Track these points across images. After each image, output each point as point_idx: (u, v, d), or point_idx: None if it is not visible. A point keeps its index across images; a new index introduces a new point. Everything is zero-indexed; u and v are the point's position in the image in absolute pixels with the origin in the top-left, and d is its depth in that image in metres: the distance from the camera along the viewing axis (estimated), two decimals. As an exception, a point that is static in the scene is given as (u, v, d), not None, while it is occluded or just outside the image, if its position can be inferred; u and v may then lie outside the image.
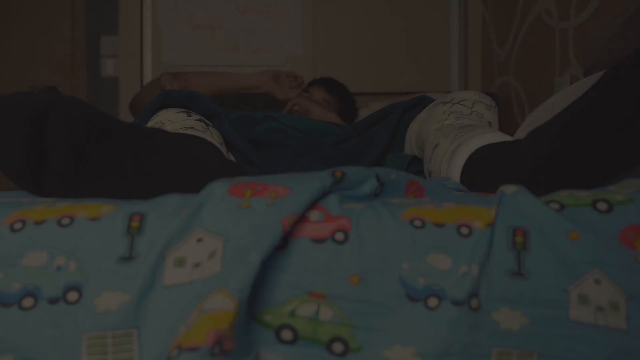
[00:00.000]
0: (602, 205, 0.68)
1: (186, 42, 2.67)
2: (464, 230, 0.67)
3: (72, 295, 0.63)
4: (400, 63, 2.71)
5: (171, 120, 1.14)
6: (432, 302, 0.64)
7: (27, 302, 0.63)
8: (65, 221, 0.66)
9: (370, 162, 1.27)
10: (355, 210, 0.68)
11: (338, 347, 0.64)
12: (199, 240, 0.65)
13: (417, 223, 0.67)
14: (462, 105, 1.20)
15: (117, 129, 0.74)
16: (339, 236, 0.66)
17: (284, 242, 0.65)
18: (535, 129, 0.82)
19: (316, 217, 0.67)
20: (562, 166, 0.75)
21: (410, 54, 2.71)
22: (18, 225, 0.65)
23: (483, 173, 0.87)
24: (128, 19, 2.69)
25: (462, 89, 2.71)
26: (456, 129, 1.08)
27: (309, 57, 2.69)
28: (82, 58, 2.87)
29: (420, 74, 2.71)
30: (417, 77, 2.70)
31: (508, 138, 0.95)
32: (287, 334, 0.64)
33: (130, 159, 0.73)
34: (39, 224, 0.65)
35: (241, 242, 0.63)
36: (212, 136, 1.09)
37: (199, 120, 1.17)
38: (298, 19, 2.69)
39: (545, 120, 1.24)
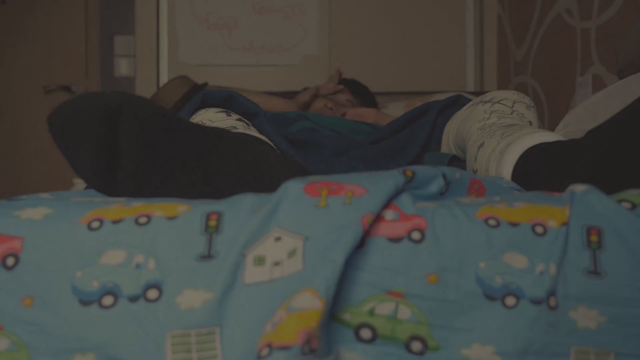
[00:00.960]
0: (674, 204, 0.68)
1: (202, 41, 2.67)
2: (539, 230, 0.67)
3: (153, 293, 0.63)
4: (415, 63, 2.71)
5: (211, 120, 1.14)
6: (510, 300, 0.64)
7: (107, 300, 0.63)
8: (143, 220, 0.66)
9: (408, 161, 1.27)
10: (428, 209, 0.68)
11: (416, 345, 0.64)
12: (278, 239, 0.65)
13: (492, 222, 0.67)
14: (502, 104, 1.20)
15: (185, 129, 0.74)
16: (416, 235, 0.66)
17: (361, 241, 0.65)
18: (594, 128, 0.83)
19: (391, 217, 0.67)
20: (628, 165, 0.75)
21: (425, 53, 2.71)
22: (95, 224, 0.65)
23: (541, 172, 0.87)
24: (144, 18, 2.69)
25: (478, 89, 2.71)
26: (501, 128, 1.08)
27: (325, 56, 2.69)
28: (95, 58, 2.87)
29: (436, 74, 2.71)
30: (432, 76, 2.71)
31: (560, 137, 0.95)
32: (366, 333, 0.64)
33: (199, 158, 0.73)
34: (116, 222, 0.65)
35: (322, 241, 0.63)
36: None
37: (239, 120, 1.17)
38: (314, 19, 2.69)
39: (588, 118, 1.24)
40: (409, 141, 1.32)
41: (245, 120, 1.19)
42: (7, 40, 2.87)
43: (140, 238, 0.65)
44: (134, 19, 2.76)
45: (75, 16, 2.89)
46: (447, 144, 1.32)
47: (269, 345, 0.58)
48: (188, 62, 2.68)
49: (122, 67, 2.85)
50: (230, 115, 1.17)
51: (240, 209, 0.66)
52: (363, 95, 2.11)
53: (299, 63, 2.66)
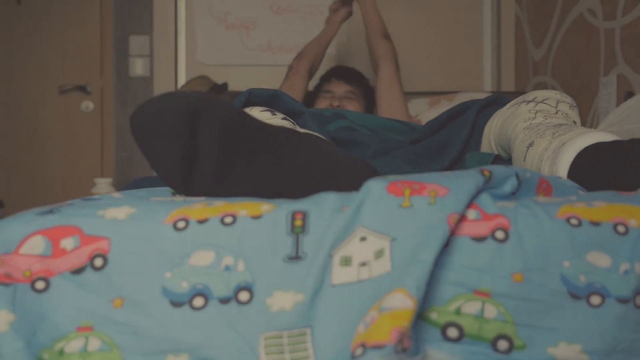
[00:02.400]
0: None
1: (220, 41, 2.67)
2: (621, 229, 0.67)
3: (244, 295, 0.63)
4: (433, 63, 2.72)
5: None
6: (595, 299, 0.65)
7: (198, 301, 0.63)
8: (228, 220, 0.66)
9: (449, 160, 1.28)
10: (509, 209, 0.69)
11: (503, 344, 0.64)
12: (363, 239, 0.65)
13: (574, 221, 0.67)
14: (546, 104, 1.20)
15: (260, 129, 0.74)
16: (499, 234, 0.66)
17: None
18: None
19: (473, 216, 0.68)
20: None
21: (443, 53, 2.72)
22: (181, 225, 0.65)
23: (603, 171, 0.87)
24: (162, 18, 2.69)
25: (496, 89, 2.72)
26: (550, 128, 1.08)
27: (343, 57, 2.69)
28: (111, 58, 2.87)
29: (453, 74, 2.72)
30: (449, 76, 2.71)
31: (616, 137, 0.95)
32: (453, 332, 0.64)
33: (274, 158, 0.74)
34: (202, 222, 0.66)
35: (409, 242, 0.64)
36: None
37: (284, 119, 1.17)
38: (332, 19, 2.70)
39: (632, 118, 1.25)
40: (449, 140, 1.33)
41: (290, 119, 1.19)
42: (22, 40, 2.87)
43: (227, 239, 0.65)
44: (150, 19, 2.76)
45: (90, 16, 2.88)
46: (488, 143, 1.32)
47: (363, 345, 0.59)
48: (206, 62, 2.68)
49: (138, 67, 2.84)
50: (275, 114, 1.17)
51: (325, 208, 0.67)
52: (357, 79, 2.13)
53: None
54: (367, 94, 2.15)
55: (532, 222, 0.67)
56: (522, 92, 2.46)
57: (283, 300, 0.62)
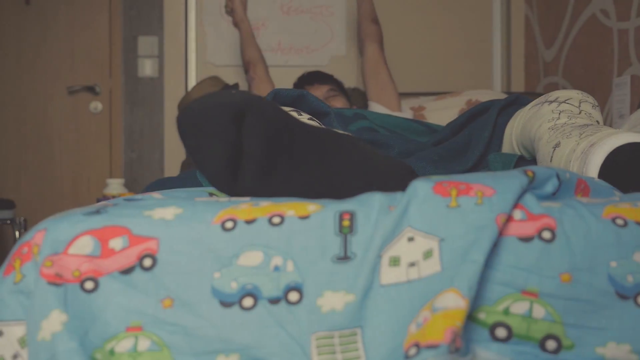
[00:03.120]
0: None
1: (230, 42, 2.67)
2: (667, 229, 0.67)
3: (294, 296, 0.63)
4: (443, 63, 2.72)
5: (282, 119, 1.14)
6: (643, 299, 0.65)
7: (247, 301, 0.63)
8: (276, 220, 0.66)
9: (472, 161, 1.28)
10: (555, 209, 0.69)
11: (551, 344, 0.65)
12: (410, 239, 0.65)
13: (620, 222, 0.67)
14: (569, 104, 1.20)
15: (302, 130, 0.74)
16: (546, 235, 0.66)
17: (493, 240, 0.66)
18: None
19: (519, 216, 0.68)
20: None
21: (452, 54, 2.72)
22: (229, 225, 0.65)
23: (638, 171, 0.87)
24: (173, 19, 2.69)
25: (505, 89, 2.72)
26: (577, 128, 1.08)
27: (353, 57, 2.69)
28: (119, 58, 2.86)
29: (463, 75, 2.72)
30: (459, 77, 2.71)
31: (647, 137, 0.95)
32: (501, 332, 0.64)
33: (316, 158, 0.74)
34: (250, 223, 0.66)
35: (459, 242, 0.64)
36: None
37: (310, 119, 1.17)
38: (342, 20, 2.70)
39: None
40: (471, 141, 1.33)
41: (316, 120, 1.19)
42: (31, 41, 2.87)
43: (275, 239, 0.65)
44: (160, 19, 2.76)
45: (99, 17, 2.88)
46: (510, 144, 1.32)
47: (417, 345, 0.59)
48: (216, 62, 2.68)
49: (146, 68, 2.84)
50: (302, 115, 1.17)
51: (371, 209, 0.67)
52: (326, 78, 2.20)
53: (327, 64, 2.67)
54: (343, 88, 2.23)
55: (579, 222, 0.67)
56: (532, 93, 2.47)
57: (334, 301, 0.62)
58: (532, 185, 0.72)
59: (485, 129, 1.33)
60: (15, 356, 0.63)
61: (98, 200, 2.05)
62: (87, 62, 2.91)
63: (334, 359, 0.61)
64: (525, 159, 1.27)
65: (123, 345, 0.62)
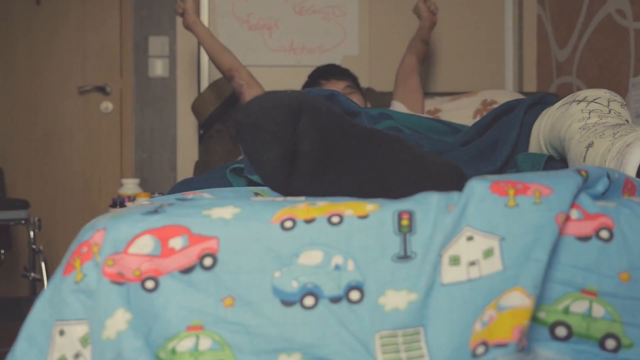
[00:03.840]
0: None
1: (243, 42, 2.67)
2: None
3: (355, 295, 0.63)
4: (455, 63, 2.72)
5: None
6: (702, 298, 0.65)
7: (309, 300, 0.63)
8: (335, 219, 0.66)
9: (501, 161, 1.28)
10: (611, 209, 0.69)
11: (610, 343, 0.65)
12: (469, 238, 0.65)
13: (676, 221, 0.68)
14: (598, 103, 1.20)
15: (355, 130, 0.74)
16: (604, 234, 0.66)
17: (551, 239, 0.66)
18: None
19: (575, 216, 0.68)
20: None
21: (464, 54, 2.72)
22: (289, 224, 0.65)
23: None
24: (185, 19, 2.68)
25: (517, 89, 2.73)
26: (609, 128, 1.08)
27: (365, 57, 2.69)
28: (130, 58, 2.86)
29: (475, 74, 2.72)
30: (471, 77, 2.72)
31: (685, 137, 0.95)
32: (561, 331, 0.64)
33: (368, 158, 0.74)
34: (309, 222, 0.65)
35: (519, 241, 0.64)
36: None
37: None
38: (354, 19, 2.70)
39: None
40: (499, 141, 1.32)
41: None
42: (41, 41, 2.86)
43: (335, 238, 0.65)
44: (171, 19, 2.76)
45: (109, 17, 2.88)
46: (537, 143, 1.32)
47: (485, 344, 0.59)
48: (228, 62, 2.67)
49: (157, 68, 2.84)
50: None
51: (430, 208, 0.67)
52: (343, 73, 2.18)
53: (339, 63, 2.66)
54: (358, 85, 2.22)
55: (636, 221, 0.67)
56: (545, 93, 2.47)
57: (396, 300, 0.63)
58: (585, 184, 0.72)
59: (512, 129, 1.32)
60: (77, 355, 0.63)
61: (114, 201, 2.05)
62: (98, 62, 2.90)
63: (398, 357, 0.61)
64: (554, 159, 1.27)
65: (184, 345, 0.62)
